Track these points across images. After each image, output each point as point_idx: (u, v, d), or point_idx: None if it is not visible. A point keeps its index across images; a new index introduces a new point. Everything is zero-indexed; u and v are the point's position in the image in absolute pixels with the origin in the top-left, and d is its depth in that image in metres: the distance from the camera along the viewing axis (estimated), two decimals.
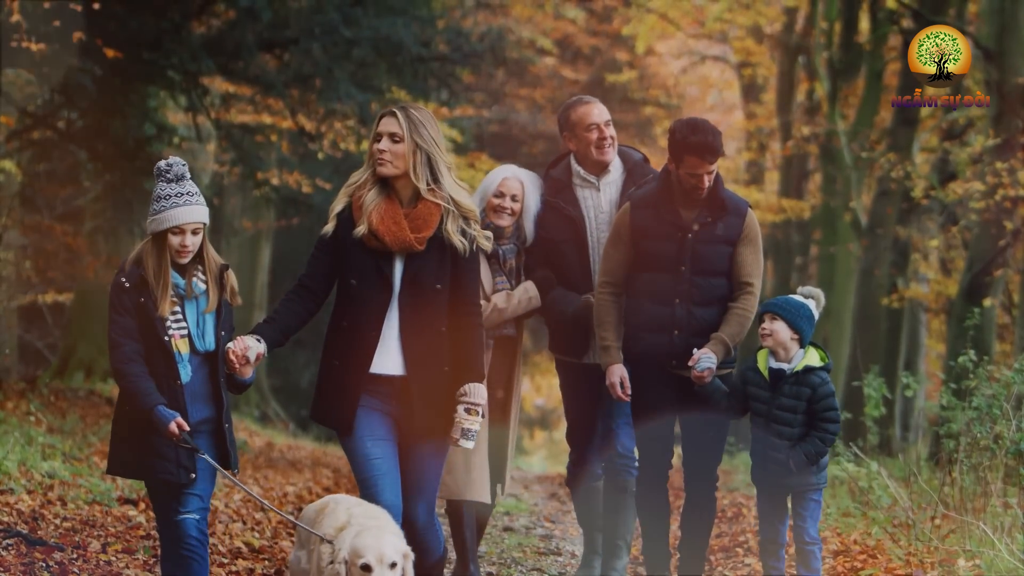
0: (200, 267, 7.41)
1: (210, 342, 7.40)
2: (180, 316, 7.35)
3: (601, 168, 8.98)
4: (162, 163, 7.38)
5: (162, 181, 7.36)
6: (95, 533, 10.38)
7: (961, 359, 11.27)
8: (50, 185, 23.33)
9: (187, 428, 7.21)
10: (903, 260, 24.68)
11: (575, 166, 9.02)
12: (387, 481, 7.45)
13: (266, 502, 8.18)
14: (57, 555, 9.45)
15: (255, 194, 22.71)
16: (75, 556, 9.55)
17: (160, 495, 7.44)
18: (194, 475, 7.34)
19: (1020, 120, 19.56)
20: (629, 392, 8.38)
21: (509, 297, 8.91)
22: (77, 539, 10.06)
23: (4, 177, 19.94)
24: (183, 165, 7.40)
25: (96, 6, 16.27)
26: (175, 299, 7.34)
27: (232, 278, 7.53)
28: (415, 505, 7.52)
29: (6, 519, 10.20)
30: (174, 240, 7.31)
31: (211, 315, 7.42)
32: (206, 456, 7.32)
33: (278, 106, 21.00)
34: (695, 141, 8.14)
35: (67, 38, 16.44)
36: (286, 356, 29.14)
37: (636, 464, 8.90)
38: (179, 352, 7.32)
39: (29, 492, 11.48)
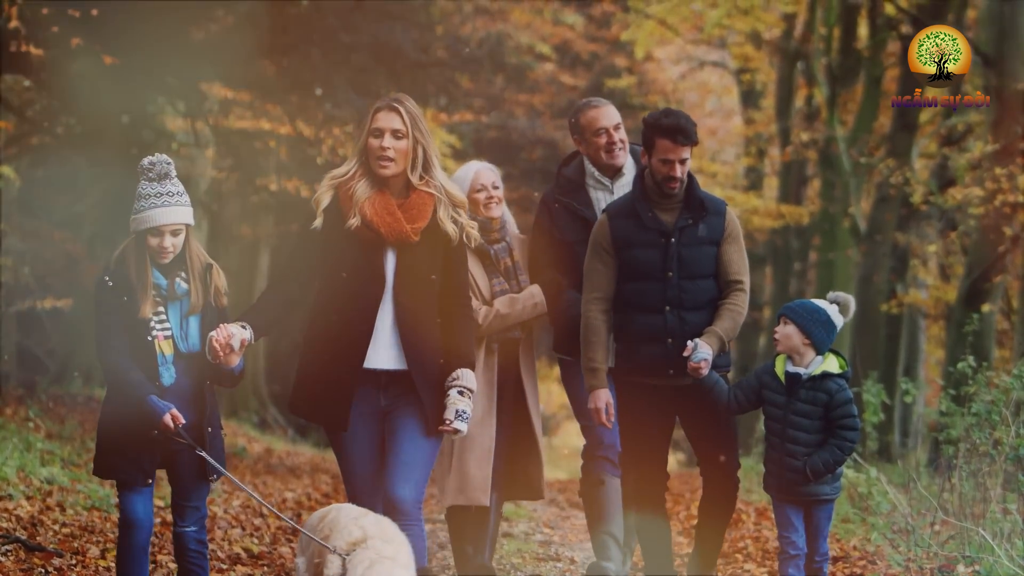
0: (183, 268, 7.28)
1: (194, 344, 7.29)
2: (164, 317, 7.24)
3: (613, 171, 8.87)
4: (145, 161, 7.26)
5: (144, 180, 7.24)
6: (94, 539, 10.36)
7: (960, 365, 11.25)
8: (49, 191, 23.29)
9: (183, 422, 7.10)
10: (902, 266, 24.68)
11: (589, 167, 8.90)
12: (376, 499, 7.32)
13: (267, 503, 8.13)
14: (56, 561, 9.43)
15: (253, 200, 22.73)
16: (74, 562, 9.53)
17: (128, 491, 7.33)
18: (151, 480, 7.25)
19: (1019, 126, 19.56)
20: (613, 419, 8.24)
21: (513, 302, 8.75)
22: (76, 545, 10.04)
23: (3, 183, 19.93)
24: (167, 163, 7.25)
25: (95, 12, 16.26)
26: (159, 299, 7.23)
27: (218, 277, 7.39)
28: (401, 485, 7.27)
29: (5, 525, 10.19)
30: (153, 241, 7.20)
31: (195, 317, 7.30)
32: (204, 453, 7.22)
33: (277, 112, 20.98)
34: (666, 123, 8.07)
35: (66, 44, 16.44)
36: (285, 363, 29.09)
37: None
38: (162, 353, 7.21)
39: (28, 498, 11.46)
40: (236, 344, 7.16)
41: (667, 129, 8.06)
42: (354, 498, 7.39)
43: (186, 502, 7.39)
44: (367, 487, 7.38)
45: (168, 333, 7.25)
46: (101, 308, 7.22)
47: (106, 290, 7.22)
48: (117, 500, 7.54)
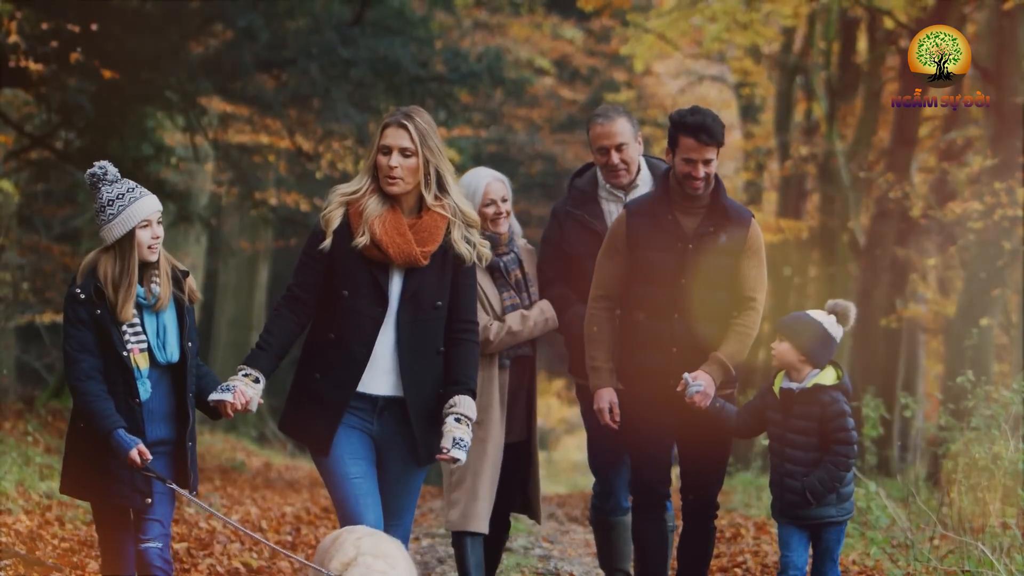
0: (154, 269, 7.04)
1: (172, 353, 7.06)
2: (139, 328, 7.00)
3: (624, 185, 8.56)
4: (96, 168, 7.03)
5: (104, 185, 6.99)
6: (93, 554, 10.35)
7: (959, 379, 11.23)
8: (48, 205, 23.32)
9: (149, 457, 6.83)
10: (901, 280, 24.70)
11: (601, 179, 8.59)
12: (368, 501, 7.04)
13: (239, 526, 8.05)
14: None
15: (253, 214, 22.72)
16: None
17: (109, 518, 7.12)
18: (150, 500, 6.99)
19: (1018, 140, 19.59)
20: (618, 419, 7.96)
21: (524, 319, 8.42)
22: (75, 560, 10.03)
23: (2, 197, 19.94)
24: (113, 166, 7.04)
25: (94, 27, 16.28)
26: (134, 310, 6.97)
27: (191, 281, 7.21)
28: (389, 527, 7.07)
29: (4, 540, 10.18)
30: (144, 235, 6.96)
31: (172, 322, 7.07)
32: (175, 485, 6.99)
33: (276, 126, 21.01)
34: (691, 121, 7.72)
35: (65, 58, 16.46)
36: (285, 378, 29.08)
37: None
38: (138, 368, 6.97)
39: (27, 512, 11.46)
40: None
41: (691, 127, 7.72)
42: (345, 520, 7.07)
43: (149, 515, 7.07)
44: (359, 506, 7.05)
45: (144, 346, 7.01)
46: (72, 323, 6.95)
47: (78, 303, 6.95)
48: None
